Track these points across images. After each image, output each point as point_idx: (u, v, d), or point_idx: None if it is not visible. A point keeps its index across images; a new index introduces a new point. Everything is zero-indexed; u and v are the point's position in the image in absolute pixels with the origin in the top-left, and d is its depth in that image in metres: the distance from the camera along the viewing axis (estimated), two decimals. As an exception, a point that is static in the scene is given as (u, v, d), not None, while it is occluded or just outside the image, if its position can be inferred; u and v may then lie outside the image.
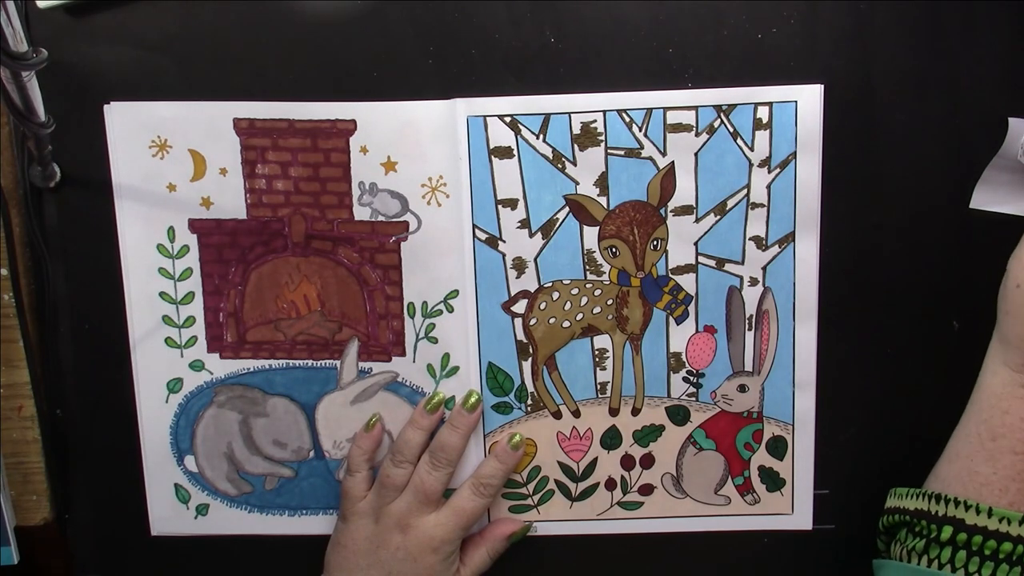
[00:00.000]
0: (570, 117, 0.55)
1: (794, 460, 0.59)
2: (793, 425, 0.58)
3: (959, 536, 0.49)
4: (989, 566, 0.48)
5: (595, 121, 0.55)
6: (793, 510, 0.60)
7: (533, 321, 0.57)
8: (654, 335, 0.58)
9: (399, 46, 0.55)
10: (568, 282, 0.57)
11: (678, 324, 0.57)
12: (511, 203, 0.56)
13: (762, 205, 0.55)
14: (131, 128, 0.56)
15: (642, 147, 0.55)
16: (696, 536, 0.60)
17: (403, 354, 0.58)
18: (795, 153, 0.54)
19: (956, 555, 0.48)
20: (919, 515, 0.51)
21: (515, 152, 0.55)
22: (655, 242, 0.56)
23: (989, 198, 0.55)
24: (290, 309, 0.58)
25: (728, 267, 0.56)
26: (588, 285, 0.57)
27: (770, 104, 0.54)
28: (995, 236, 0.55)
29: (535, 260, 0.57)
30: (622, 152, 0.55)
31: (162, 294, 0.58)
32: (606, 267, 0.57)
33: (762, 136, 0.54)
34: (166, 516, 0.61)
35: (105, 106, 0.55)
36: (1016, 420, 0.49)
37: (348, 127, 0.55)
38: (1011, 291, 0.51)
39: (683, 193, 0.55)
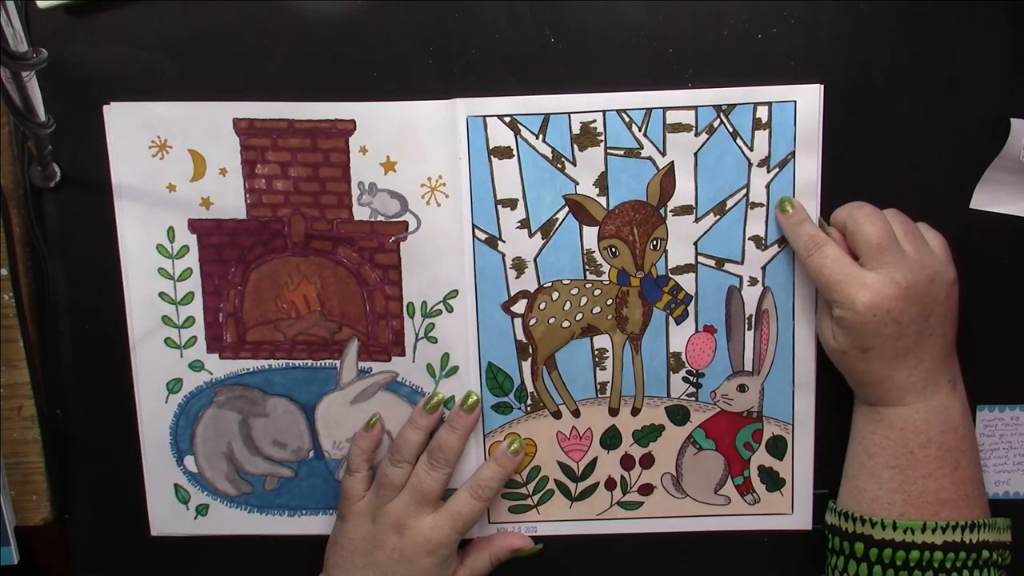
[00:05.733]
0: (570, 117, 0.55)
1: (794, 460, 0.59)
2: (793, 425, 0.58)
3: (871, 551, 0.52)
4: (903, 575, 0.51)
5: (595, 121, 0.55)
6: (793, 510, 0.60)
7: (533, 321, 0.57)
8: (654, 335, 0.57)
9: (399, 46, 0.55)
10: (568, 282, 0.57)
11: (678, 324, 0.57)
12: (511, 203, 0.56)
13: (761, 205, 0.55)
14: (131, 128, 0.56)
15: (642, 147, 0.55)
16: (696, 536, 0.60)
17: (403, 354, 0.58)
18: (794, 153, 0.54)
19: (872, 571, 0.52)
20: (833, 531, 0.55)
21: (515, 152, 0.55)
22: (655, 242, 0.56)
23: (990, 198, 0.55)
24: (290, 309, 0.58)
25: (728, 267, 0.56)
26: (588, 285, 0.57)
27: (769, 104, 0.54)
28: (995, 236, 0.55)
29: (535, 260, 0.57)
30: (622, 152, 0.55)
31: (162, 294, 0.58)
32: (606, 267, 0.57)
33: (761, 136, 0.54)
34: (166, 516, 0.61)
35: (105, 106, 0.55)
36: (882, 439, 0.53)
37: (348, 127, 0.55)
38: (830, 355, 0.55)
39: (683, 193, 0.55)
